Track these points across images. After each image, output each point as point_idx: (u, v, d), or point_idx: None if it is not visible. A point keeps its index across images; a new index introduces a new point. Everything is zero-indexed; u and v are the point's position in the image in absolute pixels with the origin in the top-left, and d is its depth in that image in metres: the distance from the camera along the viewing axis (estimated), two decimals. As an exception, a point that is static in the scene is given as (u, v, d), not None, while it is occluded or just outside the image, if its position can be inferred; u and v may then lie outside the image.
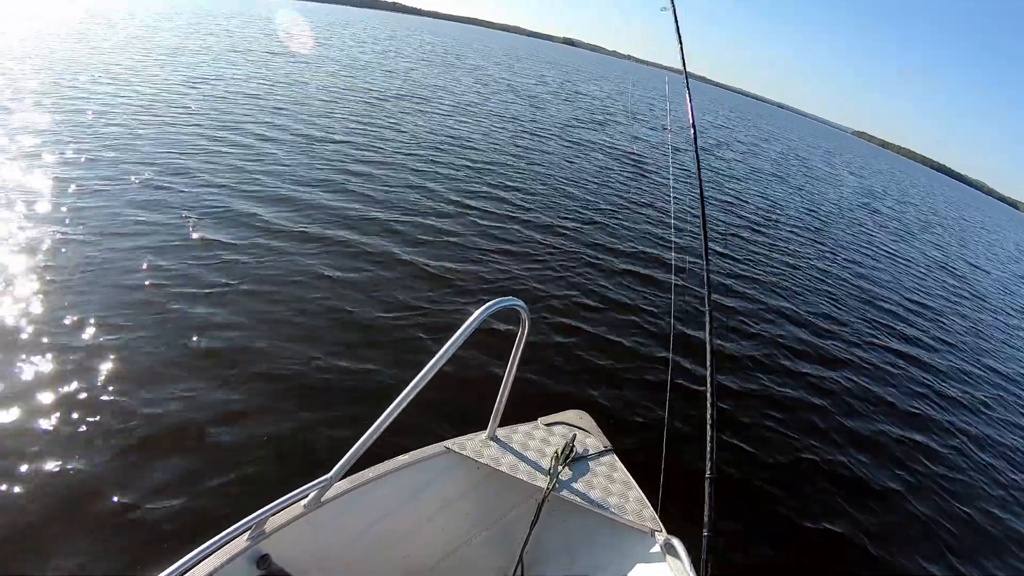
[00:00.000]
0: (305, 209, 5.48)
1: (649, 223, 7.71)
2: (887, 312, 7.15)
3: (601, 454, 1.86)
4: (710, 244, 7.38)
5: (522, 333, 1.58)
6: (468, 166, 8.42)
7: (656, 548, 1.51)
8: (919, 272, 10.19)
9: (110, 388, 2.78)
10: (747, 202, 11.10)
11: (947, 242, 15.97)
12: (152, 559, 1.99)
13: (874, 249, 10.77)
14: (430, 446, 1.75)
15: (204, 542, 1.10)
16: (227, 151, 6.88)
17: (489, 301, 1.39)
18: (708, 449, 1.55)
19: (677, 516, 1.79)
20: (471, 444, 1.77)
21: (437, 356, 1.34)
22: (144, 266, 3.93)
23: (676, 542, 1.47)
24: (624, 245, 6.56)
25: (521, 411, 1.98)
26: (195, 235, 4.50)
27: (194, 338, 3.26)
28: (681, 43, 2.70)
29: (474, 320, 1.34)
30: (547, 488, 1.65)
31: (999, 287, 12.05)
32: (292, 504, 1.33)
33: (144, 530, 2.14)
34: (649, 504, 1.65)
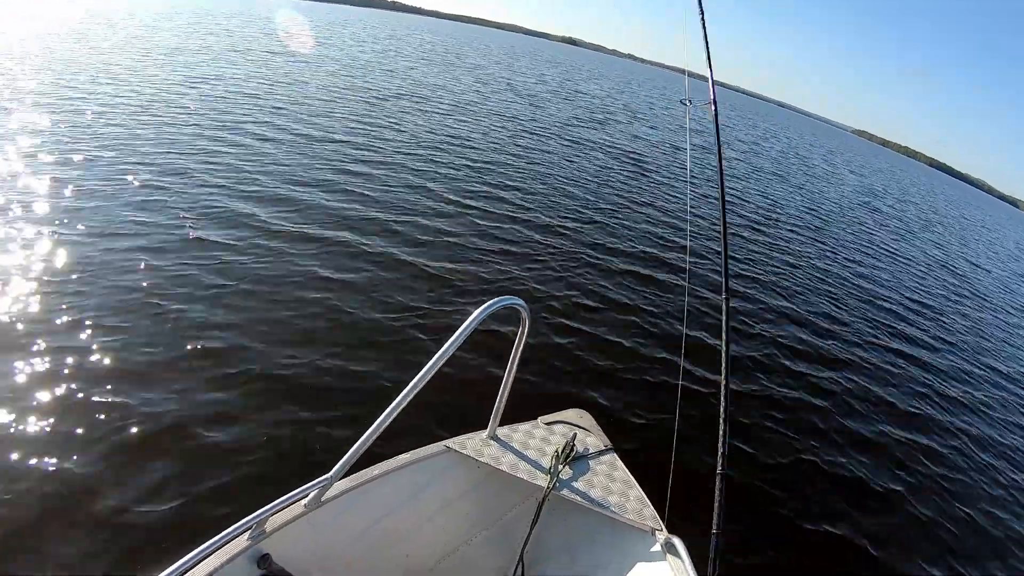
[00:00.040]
0: (304, 209, 5.48)
1: (649, 223, 7.70)
2: (888, 311, 7.14)
3: (601, 453, 1.85)
4: (710, 244, 7.40)
5: (522, 332, 1.58)
6: (468, 165, 8.42)
7: (657, 547, 1.51)
8: (920, 271, 10.18)
9: (109, 388, 2.78)
10: (747, 201, 11.09)
11: (948, 241, 15.96)
12: (152, 559, 1.98)
13: (875, 248, 10.76)
14: (430, 445, 1.74)
15: (204, 542, 1.09)
16: (226, 151, 6.87)
17: (488, 301, 1.38)
18: (720, 443, 1.49)
19: (680, 515, 1.78)
20: (471, 443, 1.77)
21: (437, 356, 1.33)
22: (142, 266, 3.93)
23: (677, 541, 1.47)
24: (624, 245, 6.55)
25: (521, 411, 1.98)
26: (194, 235, 4.50)
27: (193, 338, 3.25)
28: (702, 11, 2.71)
29: (474, 320, 1.34)
30: (547, 487, 1.65)
31: (1000, 286, 12.05)
32: (292, 504, 1.33)
33: (144, 530, 2.14)
34: (649, 503, 1.65)
